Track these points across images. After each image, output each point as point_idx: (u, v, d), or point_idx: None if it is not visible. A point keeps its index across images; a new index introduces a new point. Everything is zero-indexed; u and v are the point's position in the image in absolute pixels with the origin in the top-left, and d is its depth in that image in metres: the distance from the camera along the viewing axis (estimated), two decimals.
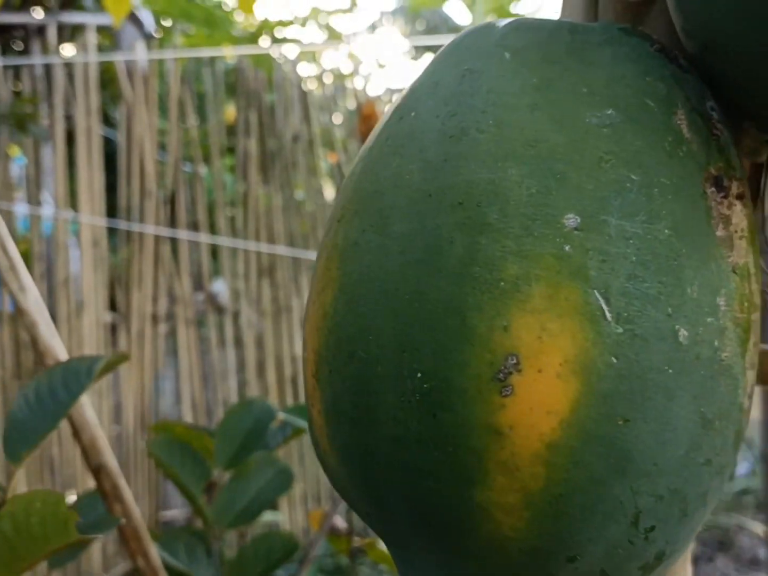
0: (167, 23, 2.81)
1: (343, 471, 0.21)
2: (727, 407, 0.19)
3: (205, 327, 1.83)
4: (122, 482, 0.46)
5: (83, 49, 1.66)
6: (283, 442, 0.61)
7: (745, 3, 0.18)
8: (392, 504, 0.20)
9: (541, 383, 0.17)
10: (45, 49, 1.76)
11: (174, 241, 1.74)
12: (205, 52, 1.98)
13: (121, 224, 1.70)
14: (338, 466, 0.21)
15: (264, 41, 3.00)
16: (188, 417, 1.77)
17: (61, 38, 1.89)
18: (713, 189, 0.19)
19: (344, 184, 0.22)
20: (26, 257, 1.66)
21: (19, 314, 0.43)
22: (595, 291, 0.18)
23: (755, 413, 1.79)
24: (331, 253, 0.21)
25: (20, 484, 1.58)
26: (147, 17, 1.86)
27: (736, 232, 0.20)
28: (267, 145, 1.83)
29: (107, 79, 1.99)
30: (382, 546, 0.64)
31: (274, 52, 1.99)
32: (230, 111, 2.05)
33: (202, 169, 1.82)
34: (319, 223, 1.83)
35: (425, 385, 0.18)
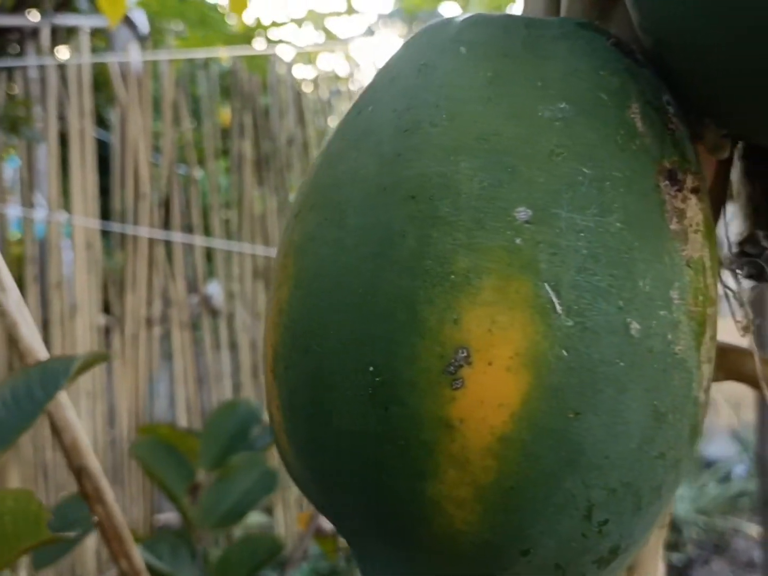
0: (161, 25, 2.82)
1: (301, 466, 0.21)
2: (681, 401, 0.19)
3: (199, 330, 1.83)
4: (104, 484, 0.46)
5: (77, 51, 1.67)
6: (271, 443, 0.61)
7: (695, 1, 0.18)
8: (347, 499, 0.20)
9: (492, 376, 0.17)
10: (39, 52, 1.76)
11: (168, 244, 1.74)
12: (200, 54, 1.98)
13: (115, 227, 1.70)
14: (296, 461, 0.21)
15: (259, 43, 3.01)
16: (183, 420, 1.77)
17: (57, 41, 1.89)
18: (667, 182, 0.19)
19: (304, 180, 0.22)
20: (19, 260, 1.66)
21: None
22: (546, 284, 0.18)
23: (750, 416, 1.79)
24: (288, 249, 0.21)
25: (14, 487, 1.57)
26: (141, 19, 1.86)
27: (690, 225, 0.20)
28: (262, 147, 1.84)
29: (102, 81, 1.99)
30: None
31: (269, 51, 1.99)
32: (225, 113, 2.05)
33: (197, 172, 1.82)
34: None
35: (377, 379, 0.18)
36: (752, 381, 0.27)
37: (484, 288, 0.18)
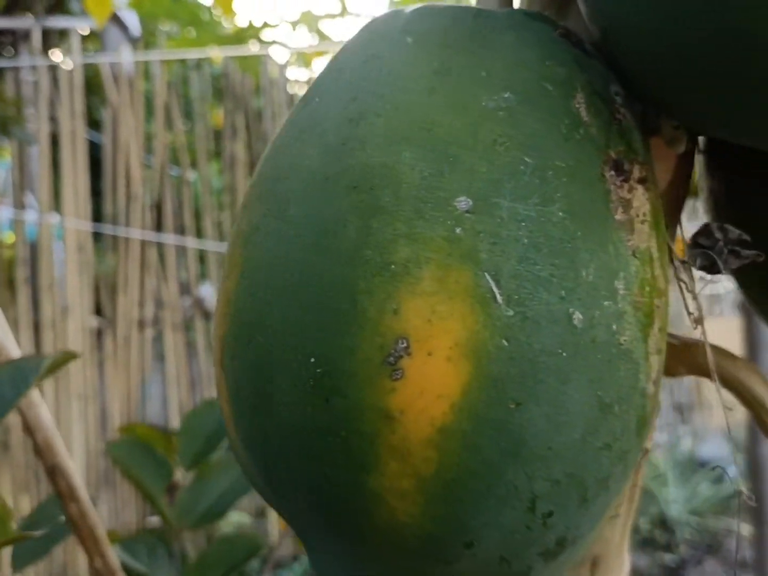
0: (153, 26, 2.81)
1: (248, 458, 0.20)
2: (627, 392, 0.19)
3: (192, 331, 1.83)
4: (77, 482, 0.46)
5: (68, 53, 1.66)
6: None
7: None
8: (292, 492, 0.19)
9: (432, 367, 0.17)
10: (32, 54, 1.76)
11: (161, 246, 1.74)
12: (192, 55, 1.98)
13: (107, 229, 1.69)
14: (243, 453, 0.21)
15: (252, 44, 3.01)
16: (175, 422, 1.76)
17: (50, 43, 1.89)
18: (612, 172, 0.19)
19: (254, 171, 0.22)
20: (11, 262, 1.65)
21: None
22: (486, 273, 0.17)
23: (741, 415, 1.78)
24: (236, 240, 0.21)
25: (6, 493, 1.57)
26: (132, 20, 1.86)
27: (637, 216, 0.19)
28: (254, 149, 1.83)
29: (94, 83, 1.99)
30: None
31: (262, 52, 1.99)
32: (217, 115, 2.04)
33: (190, 174, 1.82)
34: None
35: (318, 370, 0.18)
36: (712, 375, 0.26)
37: (424, 278, 0.18)
